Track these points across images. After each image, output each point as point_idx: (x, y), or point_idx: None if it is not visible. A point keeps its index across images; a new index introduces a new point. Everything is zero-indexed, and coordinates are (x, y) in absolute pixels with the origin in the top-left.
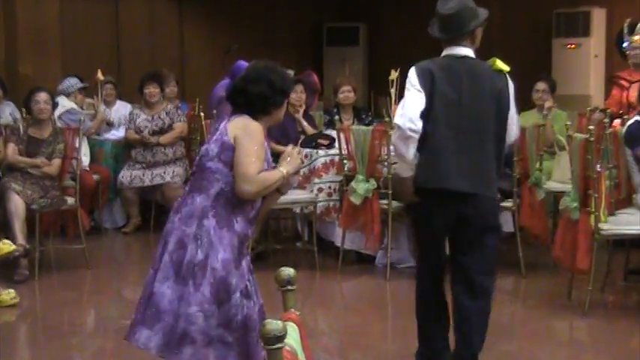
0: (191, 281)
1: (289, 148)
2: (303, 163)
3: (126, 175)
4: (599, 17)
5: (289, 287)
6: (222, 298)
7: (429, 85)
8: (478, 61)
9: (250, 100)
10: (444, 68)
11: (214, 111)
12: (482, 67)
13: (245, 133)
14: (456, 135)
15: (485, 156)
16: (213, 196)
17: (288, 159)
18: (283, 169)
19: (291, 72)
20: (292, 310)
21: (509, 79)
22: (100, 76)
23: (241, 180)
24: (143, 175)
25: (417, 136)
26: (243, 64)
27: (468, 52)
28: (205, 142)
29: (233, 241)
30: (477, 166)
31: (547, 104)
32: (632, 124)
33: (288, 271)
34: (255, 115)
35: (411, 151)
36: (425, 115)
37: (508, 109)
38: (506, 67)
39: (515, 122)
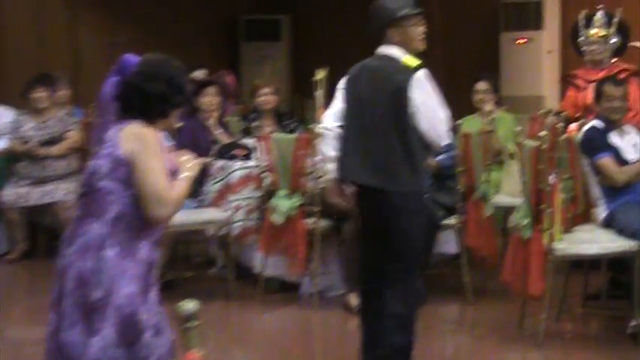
0: (92, 325)
1: (184, 156)
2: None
3: (9, 194)
4: (552, 8)
5: (189, 324)
6: (130, 339)
7: (347, 84)
8: (388, 60)
9: (147, 101)
10: (361, 68)
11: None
12: (388, 65)
13: (142, 145)
14: (359, 133)
15: (390, 152)
16: (111, 221)
17: (186, 164)
18: (187, 173)
19: (202, 72)
20: (194, 350)
21: (420, 74)
22: None
23: (153, 203)
24: (30, 192)
25: (329, 134)
26: (133, 58)
27: (389, 50)
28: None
29: (139, 272)
30: (382, 162)
31: (487, 107)
32: (590, 129)
33: (188, 306)
34: (151, 119)
35: (326, 149)
36: (342, 115)
37: (407, 104)
38: (412, 63)
39: (437, 121)
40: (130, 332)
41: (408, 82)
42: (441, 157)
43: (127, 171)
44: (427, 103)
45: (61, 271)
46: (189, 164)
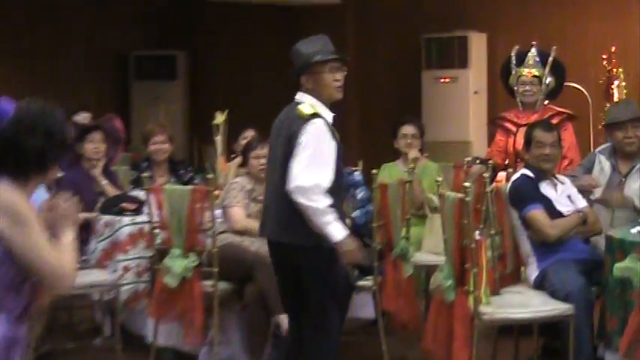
0: None
1: (57, 210)
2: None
3: None
4: (478, 44)
5: None
6: None
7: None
8: (294, 108)
9: (23, 156)
10: (278, 116)
11: None
12: (290, 114)
13: (13, 221)
14: (269, 185)
15: (285, 203)
16: None
17: (62, 221)
18: (67, 235)
19: (86, 115)
20: None
21: (311, 123)
22: None
23: (53, 281)
24: None
25: None
26: (8, 105)
27: (300, 97)
28: None
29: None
30: (280, 213)
31: (411, 154)
32: (518, 178)
33: None
34: (26, 177)
35: None
36: None
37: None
38: (304, 112)
39: (295, 165)
40: None
41: (299, 131)
42: (355, 213)
43: None
44: (305, 150)
45: None
46: (67, 216)
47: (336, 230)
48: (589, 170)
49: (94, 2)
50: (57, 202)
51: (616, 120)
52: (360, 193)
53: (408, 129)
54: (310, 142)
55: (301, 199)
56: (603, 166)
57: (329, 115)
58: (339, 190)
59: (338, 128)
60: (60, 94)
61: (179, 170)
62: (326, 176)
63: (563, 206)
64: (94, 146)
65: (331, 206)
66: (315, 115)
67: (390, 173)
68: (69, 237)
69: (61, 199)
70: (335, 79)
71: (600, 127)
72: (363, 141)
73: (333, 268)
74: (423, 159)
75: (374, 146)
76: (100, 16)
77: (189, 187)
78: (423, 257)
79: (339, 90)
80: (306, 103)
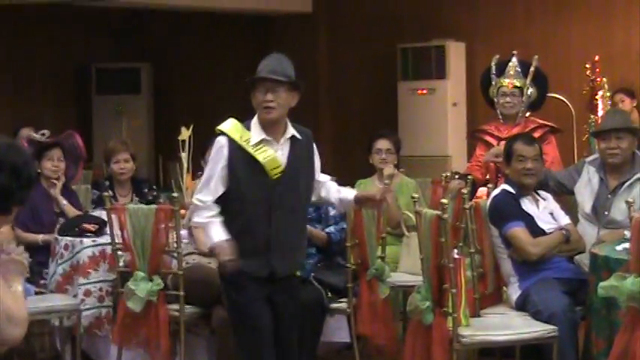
0: None
1: (9, 255)
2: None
3: None
4: (456, 54)
5: None
6: None
7: None
8: None
9: None
10: None
11: None
12: None
13: None
14: None
15: None
16: None
17: (12, 267)
18: (17, 286)
19: (45, 132)
20: None
21: (217, 140)
22: None
23: (7, 327)
24: None
25: None
26: None
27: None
28: None
29: None
30: None
31: (386, 170)
32: (499, 194)
33: None
34: None
35: None
36: None
37: None
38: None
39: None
40: None
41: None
42: (330, 229)
43: None
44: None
45: None
46: (14, 267)
47: (212, 234)
48: (572, 177)
49: (56, 13)
50: (10, 250)
51: (600, 129)
52: (333, 210)
53: (383, 143)
54: (211, 158)
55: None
56: (591, 177)
57: (257, 135)
58: (249, 204)
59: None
60: (17, 108)
61: (143, 189)
62: (202, 192)
63: (545, 223)
64: (53, 164)
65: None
66: (221, 133)
67: (365, 190)
68: (19, 287)
69: (14, 249)
70: (264, 99)
71: (584, 138)
72: (336, 156)
73: (235, 294)
74: (399, 175)
75: (348, 161)
76: (62, 28)
77: (154, 206)
78: (399, 278)
79: (266, 111)
80: (252, 120)
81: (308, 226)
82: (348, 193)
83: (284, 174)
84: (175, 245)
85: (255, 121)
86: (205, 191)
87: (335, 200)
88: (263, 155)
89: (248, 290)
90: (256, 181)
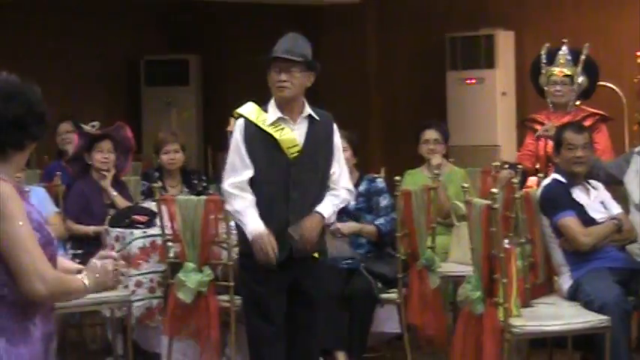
0: None
1: (104, 260)
2: (116, 281)
3: None
4: (505, 43)
5: None
6: None
7: None
8: None
9: (3, 128)
10: None
11: None
12: None
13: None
14: None
15: None
16: None
17: (97, 274)
18: (87, 280)
19: (95, 124)
20: None
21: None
22: None
23: (28, 279)
24: None
25: None
26: None
27: None
28: None
29: (36, 354)
30: None
31: (434, 160)
32: (550, 184)
33: None
34: (5, 156)
35: None
36: None
37: None
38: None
39: None
40: None
41: None
42: (379, 221)
43: None
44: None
45: None
46: (100, 275)
47: (250, 224)
48: (621, 167)
49: (105, 7)
50: (110, 255)
51: None
52: (384, 201)
53: (431, 134)
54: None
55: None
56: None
57: (273, 114)
58: (267, 184)
59: (359, 133)
60: (70, 99)
61: (192, 180)
62: (230, 177)
63: (596, 213)
64: (103, 156)
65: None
66: (239, 116)
67: (414, 180)
68: (81, 284)
69: (111, 257)
70: (278, 79)
71: (635, 127)
72: (385, 146)
73: (248, 277)
74: (448, 164)
75: (397, 152)
76: (111, 21)
77: (203, 197)
78: (449, 268)
79: (280, 90)
80: (270, 102)
81: (357, 223)
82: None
83: (301, 153)
84: (225, 236)
85: (271, 102)
86: (234, 176)
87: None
88: (280, 133)
89: (270, 282)
90: (274, 160)
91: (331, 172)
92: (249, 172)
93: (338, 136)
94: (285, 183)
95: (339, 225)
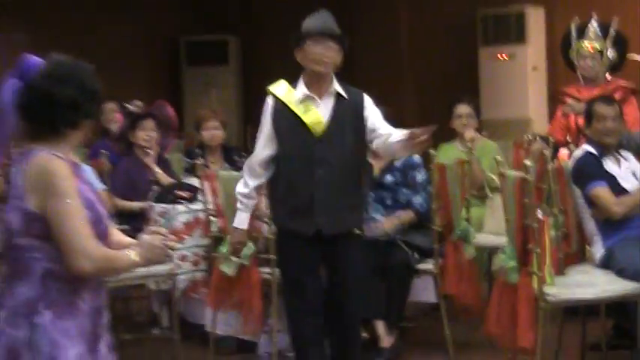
0: None
1: (153, 236)
2: (167, 257)
3: None
4: (536, 19)
5: None
6: None
7: None
8: None
9: (56, 108)
10: None
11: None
12: None
13: (50, 194)
14: None
15: None
16: (40, 280)
17: (147, 246)
18: (135, 256)
19: (138, 103)
20: None
21: (266, 100)
22: None
23: (74, 256)
24: None
25: None
26: (36, 59)
27: None
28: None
29: (83, 327)
30: None
31: (467, 134)
32: (581, 155)
33: None
34: (61, 135)
35: None
36: None
37: None
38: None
39: None
40: None
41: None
42: (417, 200)
43: (41, 226)
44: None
45: None
46: (149, 250)
47: (238, 219)
48: None
49: None
50: (159, 231)
51: None
52: (419, 175)
53: (463, 108)
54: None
55: None
56: None
57: (300, 91)
58: (292, 160)
59: (394, 109)
60: (109, 80)
61: (233, 156)
62: (254, 155)
63: (627, 183)
64: (146, 134)
65: (254, 191)
66: (268, 93)
67: (447, 154)
68: (128, 259)
69: (160, 233)
70: (317, 51)
71: None
72: (419, 120)
73: (281, 254)
74: (481, 138)
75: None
76: (152, 2)
77: None
78: (484, 238)
79: (321, 63)
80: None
81: (395, 216)
82: (394, 136)
83: (326, 130)
84: (266, 210)
85: (300, 80)
86: (253, 155)
87: (380, 148)
88: (305, 112)
89: (301, 259)
90: (298, 137)
91: (380, 133)
92: (267, 152)
93: (371, 108)
94: (310, 160)
95: (382, 225)
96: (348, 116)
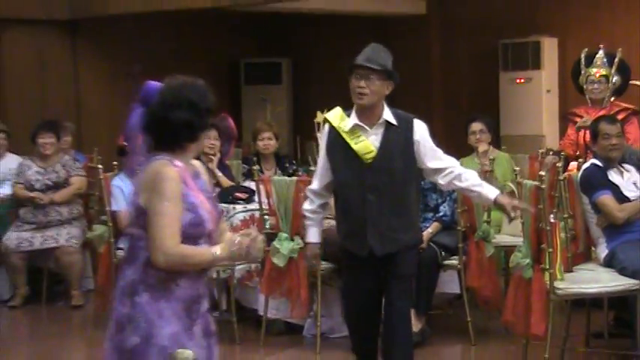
0: None
1: (243, 237)
2: (253, 257)
3: (12, 238)
4: (550, 48)
5: None
6: None
7: None
8: None
9: (173, 130)
10: None
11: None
12: None
13: (157, 190)
14: None
15: None
16: (142, 266)
17: (235, 244)
18: (217, 251)
19: None
20: None
21: (324, 127)
22: None
23: (153, 250)
24: (33, 237)
25: None
26: (154, 85)
27: None
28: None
29: (177, 310)
30: None
31: (481, 148)
32: (588, 167)
33: (185, 354)
34: (181, 147)
35: None
36: None
37: None
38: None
39: None
40: None
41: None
42: (443, 211)
43: (145, 219)
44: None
45: (111, 312)
46: (234, 246)
47: (308, 234)
48: None
49: (211, 18)
50: (249, 233)
51: None
52: None
53: (476, 126)
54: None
55: None
56: None
57: (352, 121)
58: (345, 187)
59: (426, 123)
60: None
61: (284, 163)
62: (313, 180)
63: (629, 192)
64: (210, 142)
65: (320, 207)
66: (325, 121)
67: (466, 166)
68: (209, 254)
69: (252, 235)
70: (353, 85)
71: None
72: (448, 138)
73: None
74: (494, 150)
75: (458, 140)
76: (217, 29)
77: (294, 178)
78: (502, 239)
79: (359, 97)
80: (353, 108)
81: (428, 231)
82: (489, 192)
83: (376, 158)
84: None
85: (353, 109)
86: (315, 180)
87: (466, 190)
88: (355, 140)
89: (355, 278)
90: (350, 165)
91: (423, 162)
92: (323, 181)
93: (420, 133)
94: (362, 186)
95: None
96: (397, 143)
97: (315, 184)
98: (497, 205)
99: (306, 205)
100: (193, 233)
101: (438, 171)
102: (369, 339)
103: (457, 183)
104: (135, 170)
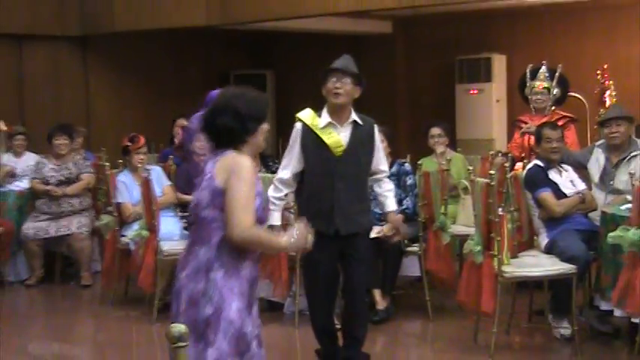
0: (207, 338)
1: (302, 225)
2: (307, 248)
3: (30, 227)
4: (499, 63)
5: (179, 344)
6: (242, 349)
7: None
8: None
9: (220, 133)
10: None
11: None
12: None
13: (233, 174)
14: None
15: None
16: (216, 245)
17: (296, 234)
18: (285, 243)
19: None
20: None
21: (296, 124)
22: (2, 126)
23: (231, 225)
24: (48, 226)
25: None
26: (214, 93)
27: None
28: (196, 188)
29: (243, 289)
30: None
31: (439, 149)
32: (532, 167)
33: (179, 328)
34: (235, 148)
35: None
36: None
37: None
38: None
39: None
40: (241, 343)
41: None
42: (407, 203)
43: (222, 199)
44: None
45: (176, 293)
46: (298, 237)
47: (272, 218)
48: (585, 156)
49: (205, 34)
50: (305, 225)
51: (604, 118)
52: (409, 180)
53: (435, 130)
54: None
55: None
56: (599, 157)
57: (325, 119)
58: (316, 176)
59: (392, 131)
60: (178, 103)
61: (268, 162)
62: (281, 170)
63: (566, 189)
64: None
65: (285, 196)
66: (297, 120)
67: (426, 165)
68: (278, 243)
69: (305, 229)
70: (334, 86)
71: (595, 126)
72: (410, 142)
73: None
74: (450, 152)
75: (419, 143)
76: (209, 44)
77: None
78: (457, 229)
79: (334, 96)
80: (323, 109)
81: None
82: (388, 204)
83: (345, 152)
84: (293, 204)
85: (324, 109)
86: (284, 170)
87: (379, 195)
88: (328, 136)
89: (319, 254)
90: (323, 157)
91: (374, 163)
92: (293, 170)
93: (378, 137)
94: (331, 175)
95: (383, 230)
96: (362, 140)
97: (285, 174)
98: (386, 217)
99: (273, 193)
100: (260, 217)
101: (376, 172)
102: (326, 312)
103: (376, 187)
104: (198, 166)
